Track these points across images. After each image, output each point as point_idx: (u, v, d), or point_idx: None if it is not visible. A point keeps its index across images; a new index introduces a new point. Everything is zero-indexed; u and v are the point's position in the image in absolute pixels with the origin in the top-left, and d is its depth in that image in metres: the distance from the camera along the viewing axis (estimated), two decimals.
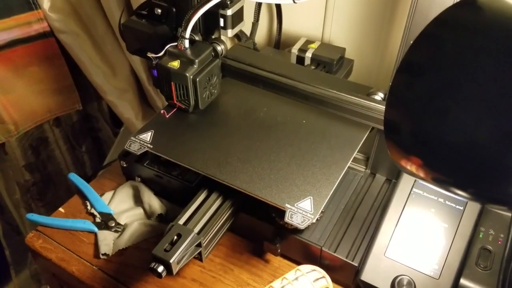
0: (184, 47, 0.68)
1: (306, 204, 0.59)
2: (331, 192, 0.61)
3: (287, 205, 0.59)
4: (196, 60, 0.67)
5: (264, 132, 0.69)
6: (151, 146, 0.67)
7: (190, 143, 0.68)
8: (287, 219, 0.58)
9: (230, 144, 0.67)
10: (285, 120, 0.71)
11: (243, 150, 0.66)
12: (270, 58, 0.85)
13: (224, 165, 0.64)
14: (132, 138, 0.69)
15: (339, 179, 0.62)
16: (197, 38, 0.70)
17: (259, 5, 0.88)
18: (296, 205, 0.59)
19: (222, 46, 0.71)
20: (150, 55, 0.71)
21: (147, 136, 0.69)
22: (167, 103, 0.75)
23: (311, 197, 0.60)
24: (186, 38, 0.67)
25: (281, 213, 0.60)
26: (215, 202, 0.65)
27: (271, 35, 0.97)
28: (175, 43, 0.68)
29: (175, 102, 0.70)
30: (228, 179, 0.63)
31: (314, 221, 0.57)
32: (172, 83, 0.68)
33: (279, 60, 0.83)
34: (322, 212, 0.61)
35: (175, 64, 0.67)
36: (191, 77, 0.66)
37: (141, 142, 0.68)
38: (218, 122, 0.72)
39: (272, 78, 0.71)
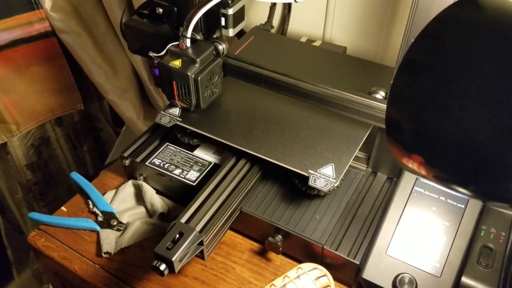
0: (186, 46, 0.68)
1: (328, 170, 0.64)
2: (351, 160, 0.65)
3: (310, 171, 0.64)
4: (198, 59, 0.67)
5: (280, 114, 0.73)
6: (180, 119, 0.72)
7: (216, 117, 0.73)
8: (311, 183, 0.62)
9: (254, 118, 0.72)
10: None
11: (266, 122, 0.71)
12: (289, 40, 0.89)
13: (250, 137, 0.69)
14: (162, 112, 0.73)
15: (359, 147, 0.67)
16: (198, 37, 0.70)
17: None
18: (319, 171, 0.64)
19: (224, 45, 0.71)
20: (151, 54, 0.71)
21: (176, 110, 0.73)
22: (168, 102, 0.75)
23: (333, 164, 0.64)
24: (188, 37, 0.67)
25: (304, 180, 0.64)
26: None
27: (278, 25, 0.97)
28: (177, 42, 0.68)
29: (177, 101, 0.70)
30: (254, 149, 0.67)
31: (336, 185, 0.62)
32: (174, 82, 0.68)
33: (296, 43, 0.88)
34: (342, 179, 0.65)
35: (177, 63, 0.67)
36: (193, 76, 0.67)
37: (171, 115, 0.72)
38: (240, 99, 0.76)
39: (273, 77, 0.71)
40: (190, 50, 0.68)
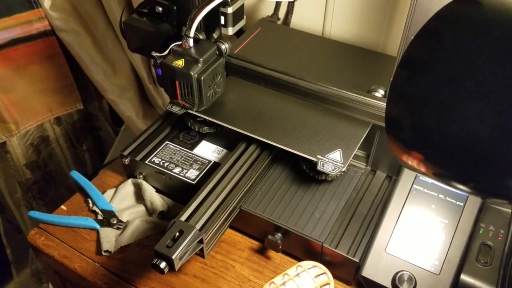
0: (189, 45, 0.68)
1: (336, 155, 0.66)
2: (358, 145, 0.67)
3: (318, 156, 0.66)
4: (201, 59, 0.67)
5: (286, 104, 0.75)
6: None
7: (227, 105, 0.74)
8: (319, 167, 0.65)
9: (263, 106, 0.74)
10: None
11: (275, 110, 0.73)
12: (294, 31, 0.91)
13: (259, 124, 0.71)
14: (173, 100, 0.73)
15: (365, 134, 0.68)
16: (201, 37, 0.70)
17: None
18: (327, 156, 0.66)
19: (226, 45, 0.71)
20: (154, 54, 0.70)
21: None
22: (168, 102, 0.75)
23: (340, 149, 0.66)
24: (191, 37, 0.67)
25: (312, 165, 0.67)
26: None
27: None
28: (179, 42, 0.68)
29: (180, 101, 0.70)
30: (264, 136, 0.69)
31: (344, 169, 0.64)
32: (177, 82, 0.68)
33: (301, 34, 0.90)
34: (349, 165, 0.67)
35: (180, 63, 0.67)
36: (196, 76, 0.66)
37: (182, 104, 0.72)
38: (242, 97, 0.77)
39: (273, 76, 0.71)
40: (193, 50, 0.68)
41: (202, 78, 0.67)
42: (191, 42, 0.67)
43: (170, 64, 0.67)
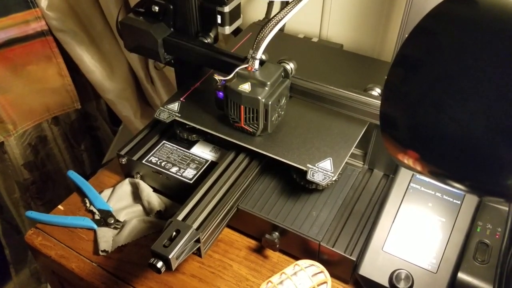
0: (254, 68, 0.65)
1: (326, 164, 0.65)
2: (349, 154, 0.66)
3: (308, 165, 0.64)
4: (268, 83, 0.64)
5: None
6: (179, 115, 0.72)
7: (215, 113, 0.72)
8: (309, 177, 0.63)
9: None
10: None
11: None
12: (287, 36, 0.90)
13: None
14: (161, 108, 0.73)
15: (357, 141, 0.67)
16: (264, 58, 0.67)
17: None
18: (317, 165, 0.64)
19: (292, 65, 0.68)
20: (217, 77, 0.67)
21: (175, 106, 0.74)
22: (165, 100, 0.75)
23: (331, 158, 0.65)
24: (257, 59, 0.64)
25: (303, 174, 0.65)
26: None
27: None
28: (245, 65, 0.65)
29: (243, 125, 0.68)
30: (253, 144, 0.68)
31: (334, 179, 0.63)
32: (242, 106, 0.65)
33: (293, 39, 0.89)
34: (340, 174, 0.66)
35: (246, 87, 0.64)
36: (263, 100, 0.63)
37: (170, 111, 0.73)
38: None
39: None
40: (258, 73, 0.65)
41: (269, 102, 0.63)
42: (257, 64, 0.64)
43: (236, 88, 0.64)
